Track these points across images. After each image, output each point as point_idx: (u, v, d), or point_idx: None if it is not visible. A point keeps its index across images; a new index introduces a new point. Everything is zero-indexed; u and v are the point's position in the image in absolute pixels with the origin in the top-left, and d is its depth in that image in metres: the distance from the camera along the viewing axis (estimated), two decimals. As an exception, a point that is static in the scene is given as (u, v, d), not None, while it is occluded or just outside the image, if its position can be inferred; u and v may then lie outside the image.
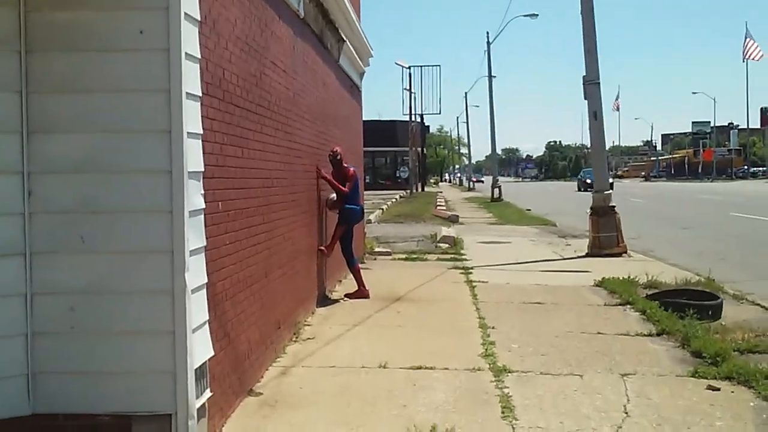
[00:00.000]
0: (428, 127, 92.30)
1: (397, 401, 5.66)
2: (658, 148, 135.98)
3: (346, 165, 10.15)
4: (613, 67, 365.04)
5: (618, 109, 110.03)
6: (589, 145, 18.41)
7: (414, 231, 20.85)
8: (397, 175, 67.17)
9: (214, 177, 5.07)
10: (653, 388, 6.00)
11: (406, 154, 60.80)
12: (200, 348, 4.49)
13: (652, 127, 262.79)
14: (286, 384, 6.12)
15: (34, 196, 4.16)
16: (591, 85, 15.79)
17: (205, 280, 4.60)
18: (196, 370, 4.39)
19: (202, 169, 4.56)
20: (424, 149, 75.37)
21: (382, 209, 31.39)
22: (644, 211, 29.32)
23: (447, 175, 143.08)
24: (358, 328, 8.21)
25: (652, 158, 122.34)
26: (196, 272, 4.41)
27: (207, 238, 4.69)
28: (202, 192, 4.56)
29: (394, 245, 17.03)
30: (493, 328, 8.13)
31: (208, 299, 4.72)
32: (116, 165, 4.15)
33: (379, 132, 63.29)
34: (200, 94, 4.51)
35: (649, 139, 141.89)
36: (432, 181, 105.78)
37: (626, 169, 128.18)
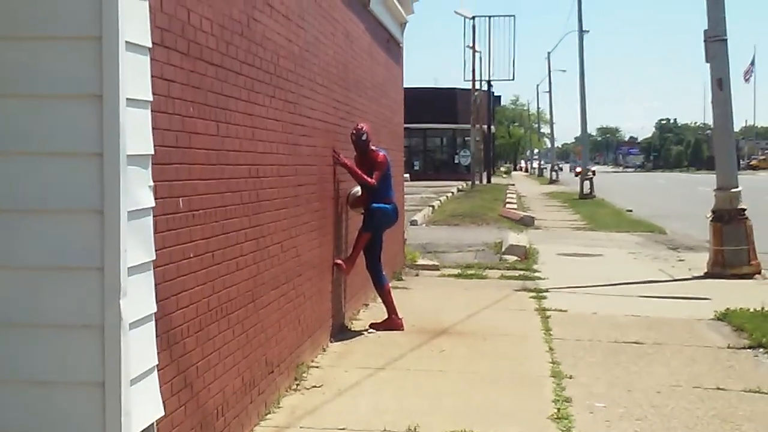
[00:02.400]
0: (499, 98, 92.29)
1: (428, 483, 5.37)
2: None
3: (374, 148, 9.88)
4: (747, 20, 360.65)
5: (752, 79, 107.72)
6: (712, 125, 17.96)
7: (473, 237, 20.75)
8: (456, 160, 66.87)
9: (172, 163, 4.83)
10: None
11: (467, 134, 60.41)
12: (144, 406, 4.21)
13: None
14: (275, 453, 5.89)
15: None
16: (715, 42, 15.52)
17: (153, 309, 4.31)
18: (136, 437, 4.09)
19: (152, 152, 4.28)
20: (493, 127, 74.95)
21: (433, 207, 31.28)
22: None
23: (523, 161, 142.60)
24: (383, 373, 8.05)
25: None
26: (138, 298, 4.12)
27: (158, 250, 4.42)
28: (151, 184, 4.28)
29: (445, 256, 16.95)
30: (570, 377, 7.95)
31: (158, 336, 4.45)
32: (23, 143, 3.88)
33: (434, 104, 63.45)
34: (148, 45, 4.21)
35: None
36: (502, 169, 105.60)
37: (763, 157, 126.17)
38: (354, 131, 9.73)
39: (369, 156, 9.80)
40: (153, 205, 4.29)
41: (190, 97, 5.08)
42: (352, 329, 9.90)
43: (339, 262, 9.42)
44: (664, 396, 7.39)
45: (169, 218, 4.78)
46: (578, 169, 76.23)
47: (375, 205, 9.76)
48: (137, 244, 4.11)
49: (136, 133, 4.09)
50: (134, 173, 4.07)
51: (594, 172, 46.47)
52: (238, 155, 5.97)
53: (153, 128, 4.33)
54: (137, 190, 4.12)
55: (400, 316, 9.98)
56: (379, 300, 10.34)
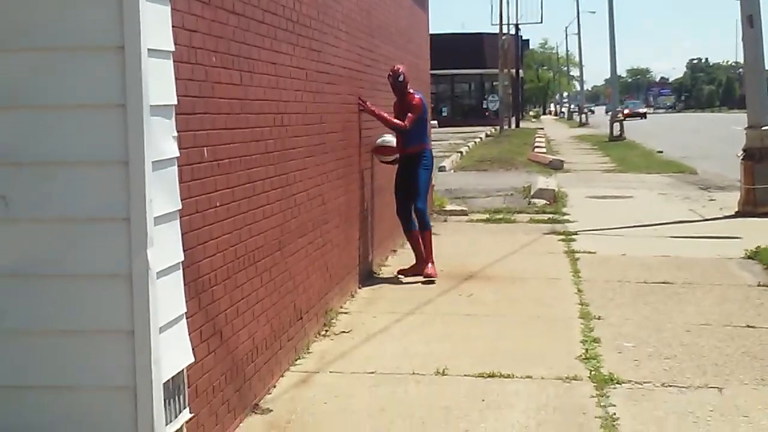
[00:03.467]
0: (527, 41, 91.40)
1: (458, 425, 5.44)
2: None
3: (411, 91, 9.85)
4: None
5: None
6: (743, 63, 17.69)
7: (501, 182, 20.69)
8: (484, 106, 66.50)
9: (196, 113, 4.83)
10: (824, 409, 5.66)
11: (495, 78, 60.00)
12: (173, 353, 4.25)
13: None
14: (306, 398, 5.97)
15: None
16: (746, -22, 15.15)
17: (180, 258, 4.35)
18: (166, 383, 4.16)
19: (174, 102, 4.29)
20: (521, 71, 74.35)
21: (461, 152, 31.19)
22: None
23: (553, 105, 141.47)
24: (411, 317, 8.08)
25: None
26: (165, 247, 4.15)
27: (184, 199, 4.45)
28: (175, 134, 4.29)
29: (473, 202, 16.92)
30: (598, 318, 7.95)
31: (186, 284, 4.49)
32: (46, 97, 3.90)
33: (461, 49, 62.94)
34: (169, -6, 4.20)
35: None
36: (531, 114, 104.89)
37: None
38: (391, 72, 9.70)
39: (406, 99, 9.75)
40: (177, 155, 4.31)
41: (212, 46, 5.07)
42: (380, 275, 9.95)
43: (401, 271, 9.89)
44: (694, 335, 7.38)
45: (194, 168, 4.79)
46: (626, 111, 74.68)
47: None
48: (163, 194, 4.14)
49: (159, 83, 4.10)
50: (158, 124, 4.08)
51: (645, 115, 45.50)
52: (262, 104, 5.98)
53: (176, 78, 4.33)
54: (161, 140, 4.13)
55: (428, 262, 9.99)
56: (408, 246, 10.36)
